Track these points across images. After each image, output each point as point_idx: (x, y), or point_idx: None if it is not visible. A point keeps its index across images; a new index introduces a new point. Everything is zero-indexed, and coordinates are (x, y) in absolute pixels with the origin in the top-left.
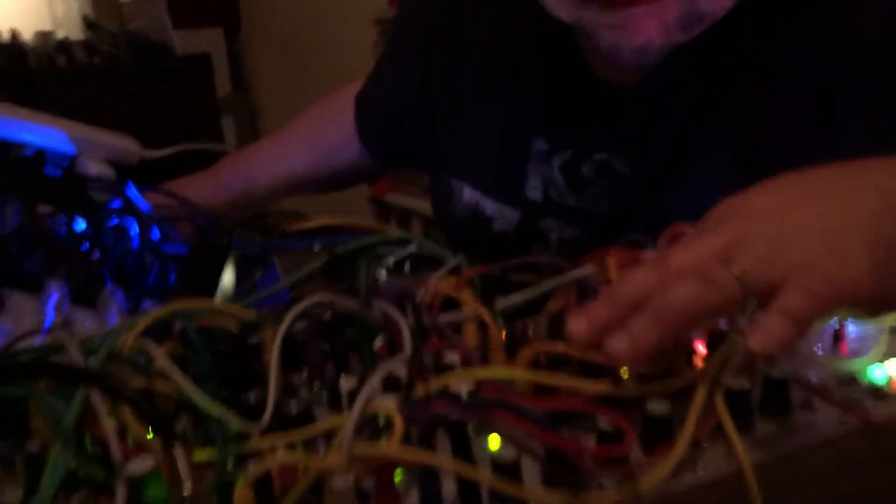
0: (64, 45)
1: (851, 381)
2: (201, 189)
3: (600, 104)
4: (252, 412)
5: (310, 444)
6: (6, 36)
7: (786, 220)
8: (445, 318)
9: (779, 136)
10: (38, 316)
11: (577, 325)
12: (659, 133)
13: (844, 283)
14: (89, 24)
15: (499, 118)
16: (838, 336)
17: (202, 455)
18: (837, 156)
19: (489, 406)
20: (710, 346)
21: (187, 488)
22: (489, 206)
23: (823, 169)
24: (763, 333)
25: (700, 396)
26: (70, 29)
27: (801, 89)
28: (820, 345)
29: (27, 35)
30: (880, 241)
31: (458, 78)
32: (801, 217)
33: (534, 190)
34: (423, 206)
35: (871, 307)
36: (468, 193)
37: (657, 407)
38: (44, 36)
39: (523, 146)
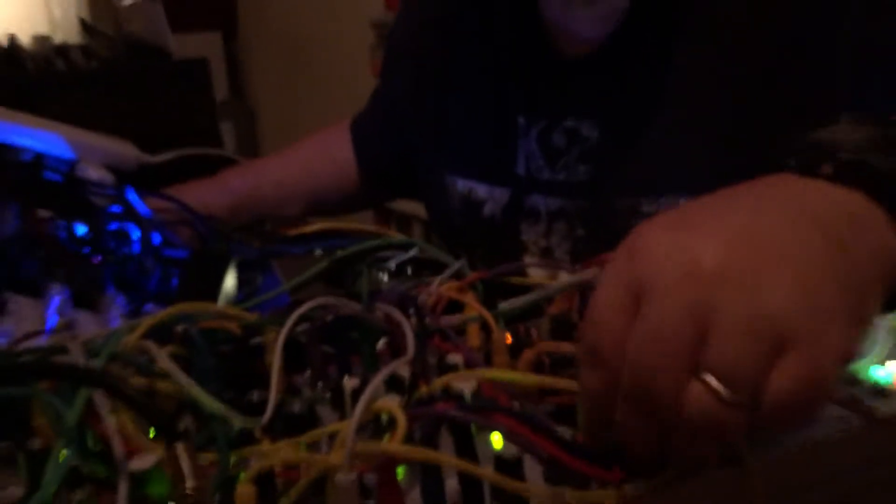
0: (61, 50)
1: (854, 381)
2: (205, 194)
3: (564, 74)
4: (255, 412)
5: (313, 443)
6: (3, 40)
7: (748, 273)
8: (448, 320)
9: (738, 93)
10: (40, 320)
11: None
12: (620, 97)
13: (839, 347)
14: (86, 27)
15: (485, 103)
16: None
17: (206, 457)
18: (800, 112)
19: (492, 410)
20: None
21: (190, 485)
22: (481, 190)
23: (727, 199)
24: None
25: None
26: (67, 32)
27: (755, 43)
28: None
29: (24, 39)
30: (845, 283)
31: (445, 77)
32: (759, 269)
33: (520, 166)
34: (424, 210)
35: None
36: (461, 184)
37: None
38: (41, 40)
39: (510, 124)
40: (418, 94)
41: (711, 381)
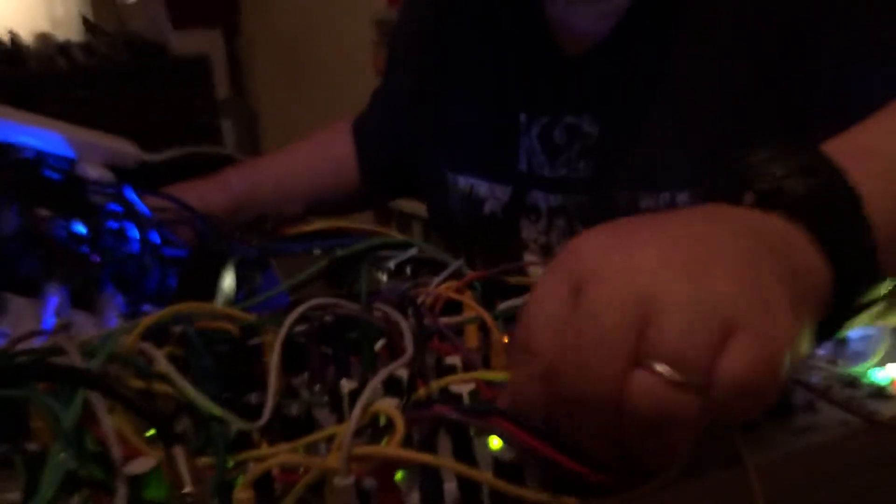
0: (63, 47)
1: (854, 382)
2: (204, 193)
3: (565, 71)
4: (253, 414)
5: (311, 446)
6: (5, 38)
7: (685, 269)
8: (447, 321)
9: (737, 89)
10: (38, 320)
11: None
12: (619, 93)
13: (787, 331)
14: (88, 25)
15: (486, 99)
16: (840, 339)
17: (204, 460)
18: (797, 106)
19: (490, 413)
20: None
21: (188, 488)
22: (483, 188)
23: (663, 215)
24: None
25: None
26: (69, 30)
27: (751, 41)
28: (822, 349)
29: (26, 37)
30: (784, 280)
31: (446, 74)
32: (700, 262)
33: (522, 163)
34: (424, 209)
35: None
36: (462, 182)
37: None
38: (43, 38)
39: (511, 121)
40: (420, 92)
41: (658, 366)
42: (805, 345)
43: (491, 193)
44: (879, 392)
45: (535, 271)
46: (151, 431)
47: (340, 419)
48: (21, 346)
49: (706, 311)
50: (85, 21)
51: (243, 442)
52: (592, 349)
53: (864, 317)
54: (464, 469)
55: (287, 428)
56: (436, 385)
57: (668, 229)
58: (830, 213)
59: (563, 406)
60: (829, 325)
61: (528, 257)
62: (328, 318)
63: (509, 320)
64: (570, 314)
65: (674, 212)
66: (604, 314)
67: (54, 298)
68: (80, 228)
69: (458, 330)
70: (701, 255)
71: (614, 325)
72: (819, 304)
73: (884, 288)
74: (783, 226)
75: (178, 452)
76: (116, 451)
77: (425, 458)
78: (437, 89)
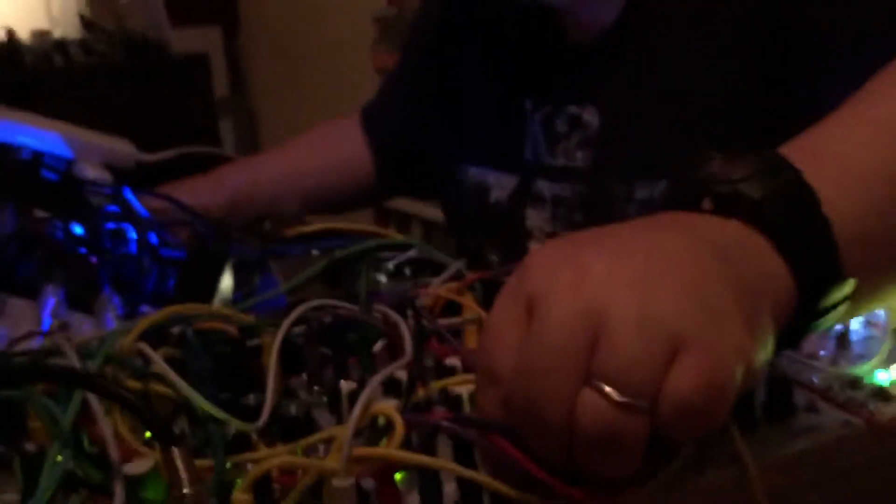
0: (61, 45)
1: (855, 383)
2: (201, 191)
3: (569, 60)
4: (251, 415)
5: (309, 447)
6: (2, 35)
7: (637, 279)
8: (446, 322)
9: (737, 82)
10: (35, 321)
11: None
12: (621, 84)
13: (736, 347)
14: (86, 22)
15: (495, 88)
16: (842, 340)
17: (202, 462)
18: (791, 98)
19: (487, 428)
20: None
21: (186, 489)
22: (490, 177)
23: (617, 225)
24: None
25: None
26: (67, 27)
27: (750, 36)
28: (823, 350)
29: (24, 34)
30: (736, 290)
31: (457, 66)
32: (649, 276)
33: (528, 151)
34: (424, 210)
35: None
36: (472, 171)
37: None
38: (41, 35)
39: (518, 109)
40: (432, 88)
41: (604, 386)
42: (764, 354)
43: (498, 182)
44: (881, 393)
45: None
46: (150, 433)
47: (339, 420)
48: (19, 347)
49: (653, 329)
50: (82, 18)
51: (242, 443)
52: (542, 374)
53: (834, 317)
54: (464, 471)
55: (286, 429)
56: (435, 386)
57: (618, 242)
58: (789, 214)
59: (522, 427)
60: (797, 329)
61: (534, 246)
62: (327, 319)
63: None
64: (525, 336)
65: (628, 222)
66: (552, 337)
67: (52, 299)
68: (78, 229)
69: (459, 331)
70: (650, 269)
71: (562, 348)
72: (781, 309)
73: (847, 287)
74: (741, 231)
75: (177, 453)
76: (114, 452)
77: (425, 459)
78: (448, 81)
